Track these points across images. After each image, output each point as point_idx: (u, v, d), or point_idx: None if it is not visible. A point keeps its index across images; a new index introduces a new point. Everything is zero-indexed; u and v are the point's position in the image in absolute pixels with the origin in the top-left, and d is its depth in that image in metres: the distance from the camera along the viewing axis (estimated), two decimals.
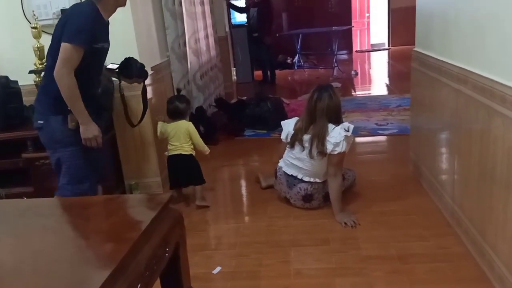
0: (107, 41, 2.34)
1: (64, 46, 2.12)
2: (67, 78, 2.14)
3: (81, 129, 2.26)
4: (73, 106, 2.21)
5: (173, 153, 3.04)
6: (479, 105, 2.00)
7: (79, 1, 2.30)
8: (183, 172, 3.06)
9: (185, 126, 3.02)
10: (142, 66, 2.57)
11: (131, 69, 2.51)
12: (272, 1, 7.48)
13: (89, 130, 2.28)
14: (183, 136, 3.00)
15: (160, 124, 3.04)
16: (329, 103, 2.69)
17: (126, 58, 2.53)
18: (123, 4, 2.34)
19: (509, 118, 1.72)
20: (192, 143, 3.05)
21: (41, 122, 2.30)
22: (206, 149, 3.11)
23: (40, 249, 1.22)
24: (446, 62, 2.44)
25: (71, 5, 2.67)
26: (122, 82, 2.56)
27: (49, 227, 1.37)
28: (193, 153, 3.10)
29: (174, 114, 3.05)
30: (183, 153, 3.02)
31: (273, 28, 7.42)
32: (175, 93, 3.52)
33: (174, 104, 3.04)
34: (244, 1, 8.31)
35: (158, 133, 3.06)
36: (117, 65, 2.51)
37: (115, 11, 2.34)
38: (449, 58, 2.41)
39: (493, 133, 1.87)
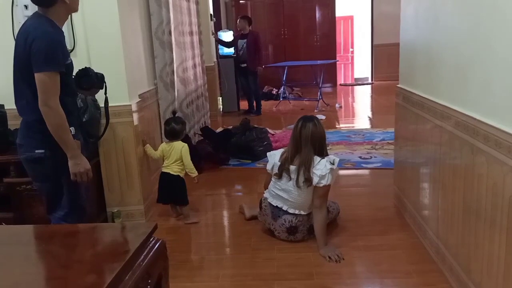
0: (69, 54, 2.22)
1: (40, 77, 1.99)
2: (56, 111, 2.02)
3: (71, 163, 2.11)
4: (62, 139, 2.07)
5: (164, 171, 3.24)
6: (463, 142, 2.03)
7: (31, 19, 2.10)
8: (167, 190, 3.23)
9: (179, 147, 3.19)
10: (102, 76, 2.46)
11: (90, 78, 2.38)
12: (259, 33, 7.64)
13: (81, 164, 2.14)
14: (175, 156, 3.18)
15: (161, 146, 3.29)
16: (314, 131, 2.73)
17: (83, 68, 2.40)
18: (76, 10, 2.20)
19: (492, 156, 1.76)
20: (183, 164, 3.20)
21: (42, 151, 2.12)
22: (194, 172, 3.23)
23: (21, 280, 1.17)
24: (430, 100, 2.49)
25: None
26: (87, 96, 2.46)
27: (30, 257, 1.32)
28: (181, 174, 3.22)
29: (171, 135, 3.25)
30: (171, 172, 3.20)
31: (262, 59, 7.56)
32: (165, 118, 3.75)
33: (171, 125, 3.23)
34: (232, 34, 8.44)
35: (159, 154, 3.25)
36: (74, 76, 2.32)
37: (67, 18, 2.24)
38: (433, 95, 2.47)
39: (477, 170, 1.90)
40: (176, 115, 3.43)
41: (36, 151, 2.13)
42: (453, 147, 2.16)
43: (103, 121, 2.66)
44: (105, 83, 2.49)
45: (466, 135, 1.99)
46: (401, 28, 3.06)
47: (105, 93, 2.54)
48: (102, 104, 2.68)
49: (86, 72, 2.39)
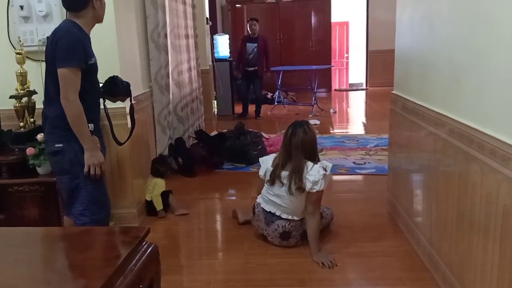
0: (94, 55, 2.34)
1: (62, 72, 2.13)
2: (74, 104, 2.15)
3: (86, 155, 2.21)
4: (79, 131, 2.18)
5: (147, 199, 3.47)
6: (457, 150, 2.04)
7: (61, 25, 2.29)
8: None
9: (154, 181, 3.46)
10: (128, 84, 2.57)
11: (117, 87, 2.49)
12: (268, 38, 7.67)
13: (95, 157, 2.24)
14: (151, 190, 3.43)
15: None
16: (304, 138, 2.72)
17: (111, 77, 2.51)
18: (101, 19, 2.35)
19: (487, 164, 1.76)
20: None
21: (60, 145, 2.23)
22: (158, 206, 3.39)
23: (12, 284, 1.15)
24: (424, 106, 2.50)
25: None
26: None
27: (21, 260, 1.30)
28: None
29: (156, 174, 3.53)
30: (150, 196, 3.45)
31: (270, 65, 7.59)
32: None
33: (155, 166, 3.55)
34: (227, 37, 8.43)
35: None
36: (101, 83, 2.47)
37: (94, 25, 2.35)
38: (427, 103, 2.47)
39: (471, 178, 1.90)
40: (164, 153, 3.89)
41: (56, 145, 2.25)
42: (447, 154, 2.17)
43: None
44: (130, 91, 2.60)
45: (460, 143, 2.00)
46: (397, 35, 3.08)
47: (131, 100, 2.65)
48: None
49: (113, 80, 2.50)
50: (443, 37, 2.27)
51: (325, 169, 2.68)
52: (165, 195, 3.44)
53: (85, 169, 2.23)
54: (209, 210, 3.73)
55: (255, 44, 7.24)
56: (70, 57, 2.13)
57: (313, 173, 2.67)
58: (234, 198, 4.01)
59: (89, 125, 2.25)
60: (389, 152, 3.45)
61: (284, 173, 2.73)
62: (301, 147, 2.71)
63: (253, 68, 7.30)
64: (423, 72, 2.56)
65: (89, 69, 2.26)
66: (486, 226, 1.78)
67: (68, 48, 2.14)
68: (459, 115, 2.05)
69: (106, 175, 2.46)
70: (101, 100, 2.49)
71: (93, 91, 2.35)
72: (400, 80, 3.06)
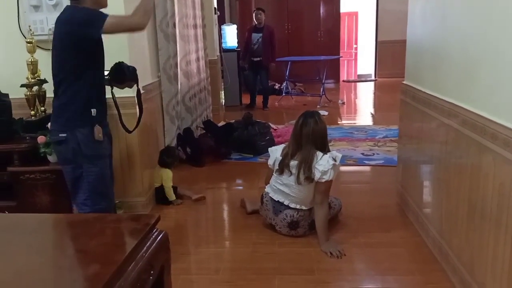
0: None
1: (107, 26, 2.08)
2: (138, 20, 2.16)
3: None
4: (146, 12, 2.19)
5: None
6: (470, 141, 2.02)
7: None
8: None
9: (160, 172, 3.50)
10: (134, 69, 2.53)
11: (123, 72, 2.46)
12: (274, 28, 7.58)
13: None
14: (158, 179, 3.49)
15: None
16: (315, 128, 2.71)
17: (116, 63, 2.47)
18: (105, 5, 2.31)
19: (500, 155, 1.74)
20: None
21: (64, 135, 2.22)
22: (171, 196, 3.46)
23: (24, 269, 1.16)
24: (436, 97, 2.47)
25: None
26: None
27: (33, 246, 1.30)
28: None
29: (162, 165, 3.55)
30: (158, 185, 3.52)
31: (276, 56, 7.50)
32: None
33: (162, 157, 3.58)
34: (235, 28, 8.38)
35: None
36: (108, 71, 2.44)
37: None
38: (440, 93, 2.44)
39: (483, 170, 1.88)
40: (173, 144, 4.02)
41: (60, 134, 2.24)
42: (460, 145, 2.15)
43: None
44: (137, 76, 2.56)
45: (473, 134, 1.97)
46: (408, 25, 3.03)
47: (137, 86, 2.61)
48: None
49: (118, 66, 2.46)
50: (456, 26, 2.24)
51: (334, 159, 2.67)
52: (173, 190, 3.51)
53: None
54: (217, 199, 3.74)
55: (260, 34, 7.18)
56: (95, 18, 2.09)
57: (323, 163, 2.66)
58: (241, 188, 4.01)
59: (91, 110, 2.24)
60: (399, 143, 3.43)
61: (293, 163, 2.73)
62: (311, 137, 2.70)
63: (258, 59, 7.25)
64: (435, 62, 2.53)
65: (99, 44, 2.24)
66: (498, 218, 1.77)
67: (88, 15, 2.11)
68: (472, 106, 2.02)
69: (110, 166, 2.47)
70: (109, 89, 2.48)
71: (102, 68, 2.33)
72: (412, 70, 3.03)
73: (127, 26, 2.20)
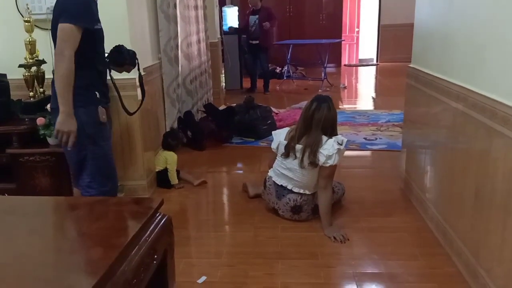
0: (100, 22, 2.28)
1: (63, 26, 2.03)
2: (68, 61, 2.04)
3: (59, 119, 2.09)
4: (62, 92, 2.07)
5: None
6: (479, 125, 1.97)
7: None
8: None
9: (164, 154, 3.49)
10: (134, 53, 2.49)
11: (123, 55, 2.42)
12: (272, 8, 7.44)
13: (67, 123, 2.10)
14: (162, 162, 3.46)
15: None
16: (327, 114, 2.66)
17: (116, 46, 2.43)
18: None
19: (511, 139, 1.70)
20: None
21: None
22: (174, 180, 3.42)
23: (25, 252, 1.13)
24: (444, 80, 2.42)
25: None
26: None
27: (34, 229, 1.27)
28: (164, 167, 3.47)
29: (167, 147, 3.55)
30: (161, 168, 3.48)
31: (275, 36, 7.38)
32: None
33: (167, 140, 3.57)
34: (237, 10, 8.27)
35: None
36: (107, 53, 2.41)
37: None
38: (448, 76, 2.39)
39: (493, 154, 1.84)
40: (175, 127, 4.01)
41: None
42: (468, 129, 2.10)
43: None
44: (137, 59, 2.52)
45: (483, 117, 1.93)
46: (416, 7, 2.97)
47: (138, 69, 2.57)
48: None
49: (118, 49, 2.42)
50: (465, 8, 2.18)
51: (340, 144, 2.63)
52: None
53: (54, 133, 2.14)
54: (219, 183, 3.71)
55: (257, 16, 7.06)
56: (76, 15, 2.05)
57: (328, 147, 2.62)
58: (242, 172, 3.98)
59: (95, 92, 2.22)
60: (403, 128, 3.39)
61: (298, 146, 2.69)
62: (323, 123, 2.65)
63: (256, 42, 7.15)
64: (444, 45, 2.47)
65: (95, 34, 2.19)
66: (506, 204, 1.74)
67: (76, 7, 2.07)
68: (482, 88, 1.97)
69: (112, 147, 2.43)
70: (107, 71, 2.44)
71: (102, 60, 2.31)
72: (419, 53, 2.96)
73: (62, 48, 2.06)
